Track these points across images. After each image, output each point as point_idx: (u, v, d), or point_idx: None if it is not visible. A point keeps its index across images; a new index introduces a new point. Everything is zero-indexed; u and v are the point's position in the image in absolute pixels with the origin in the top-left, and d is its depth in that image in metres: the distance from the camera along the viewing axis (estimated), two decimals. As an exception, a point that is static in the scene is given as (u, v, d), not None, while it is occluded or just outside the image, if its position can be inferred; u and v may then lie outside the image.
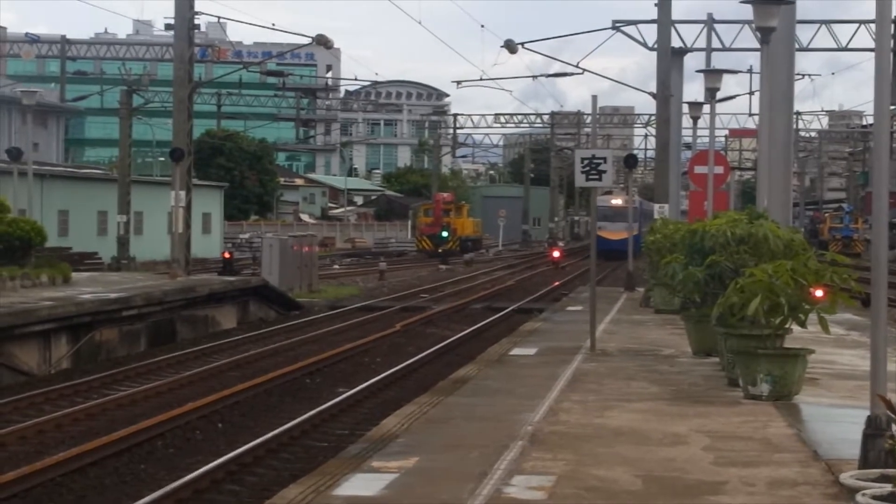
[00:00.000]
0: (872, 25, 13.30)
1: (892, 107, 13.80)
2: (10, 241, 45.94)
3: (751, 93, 55.07)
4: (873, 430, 12.33)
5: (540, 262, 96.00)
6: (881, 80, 14.03)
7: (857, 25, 62.23)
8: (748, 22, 42.06)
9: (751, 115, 59.07)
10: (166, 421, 25.27)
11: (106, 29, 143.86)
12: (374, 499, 12.98)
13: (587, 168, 30.23)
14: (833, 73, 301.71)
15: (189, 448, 22.48)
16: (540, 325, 37.21)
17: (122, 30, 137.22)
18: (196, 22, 56.31)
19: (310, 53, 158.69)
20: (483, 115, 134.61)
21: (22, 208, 50.77)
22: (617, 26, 56.08)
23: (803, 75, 72.94)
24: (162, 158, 62.11)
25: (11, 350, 32.67)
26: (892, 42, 14.01)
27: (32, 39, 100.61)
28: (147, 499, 18.31)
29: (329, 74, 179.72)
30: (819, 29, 60.74)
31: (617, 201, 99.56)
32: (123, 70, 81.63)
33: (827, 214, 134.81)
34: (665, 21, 51.69)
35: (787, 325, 20.40)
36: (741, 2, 29.73)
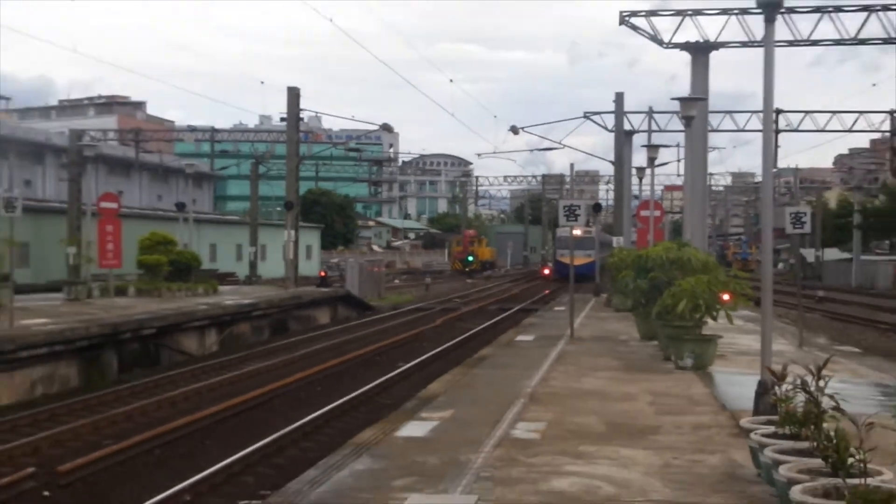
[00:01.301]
0: (761, 114, 13.25)
1: (774, 169, 14.03)
2: (178, 265, 46.17)
3: (678, 160, 55.18)
4: (762, 390, 12.46)
5: (535, 277, 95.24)
6: (767, 152, 14.19)
7: (750, 115, 61.92)
8: (676, 112, 41.86)
9: (678, 175, 59.08)
10: (281, 386, 25.40)
11: (240, 121, 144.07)
12: (423, 438, 13.13)
13: (567, 213, 30.39)
14: (735, 147, 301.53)
15: (299, 404, 22.57)
16: (536, 320, 37.26)
17: (251, 121, 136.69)
18: (301, 116, 56.29)
19: (378, 135, 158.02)
20: (496, 177, 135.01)
21: (185, 243, 50.95)
22: (587, 115, 55.91)
23: (714, 148, 72.38)
24: (279, 208, 62.18)
25: (180, 339, 32.96)
26: (774, 126, 14.12)
27: (192, 129, 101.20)
28: (276, 434, 18.48)
29: (391, 150, 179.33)
30: (725, 117, 60.40)
31: (578, 233, 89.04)
32: (252, 149, 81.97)
33: (731, 243, 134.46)
34: (619, 112, 51.86)
35: (703, 319, 20.59)
36: (672, 99, 29.87)
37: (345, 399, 22.97)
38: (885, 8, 40.64)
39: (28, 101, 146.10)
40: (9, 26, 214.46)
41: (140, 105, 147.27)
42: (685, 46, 41.10)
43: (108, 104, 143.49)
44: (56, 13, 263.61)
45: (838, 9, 41.48)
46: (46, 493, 15.14)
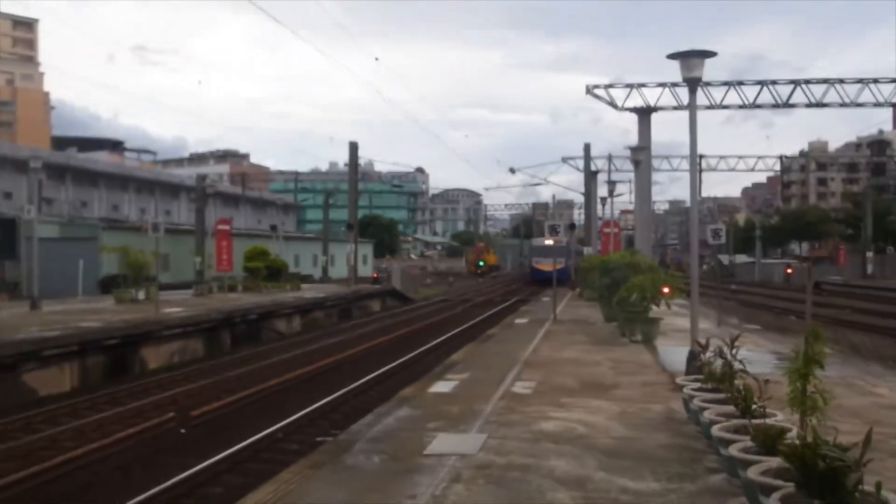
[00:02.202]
0: (689, 158, 13.38)
1: (699, 198, 14.14)
2: (272, 269, 46.54)
3: (630, 192, 55.48)
4: (691, 356, 12.39)
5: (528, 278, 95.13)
6: (693, 186, 14.20)
7: (681, 158, 61.90)
8: (628, 157, 42.02)
9: (631, 202, 59.39)
10: (345, 357, 25.44)
11: (316, 166, 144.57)
12: (447, 393, 13.15)
13: (552, 229, 30.41)
14: (671, 182, 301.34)
15: (358, 369, 22.52)
16: (529, 308, 37.19)
17: (323, 166, 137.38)
18: (358, 162, 56.45)
19: (414, 175, 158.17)
20: (499, 204, 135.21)
21: (277, 253, 51.12)
22: (564, 160, 56.38)
23: (656, 183, 72.68)
24: (343, 228, 62.52)
25: (274, 322, 33.08)
26: (698, 166, 14.11)
27: (281, 172, 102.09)
28: (342, 391, 18.53)
29: (423, 185, 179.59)
30: (663, 160, 60.55)
31: (550, 242, 71.48)
32: (324, 186, 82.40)
33: (669, 251, 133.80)
34: (587, 158, 52.02)
35: (649, 306, 20.49)
36: (625, 147, 29.84)
37: (391, 365, 23.02)
38: (773, 83, 41.66)
39: (167, 154, 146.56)
40: (156, 100, 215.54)
41: (245, 156, 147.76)
42: (633, 110, 41.24)
43: (224, 155, 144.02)
44: (188, 91, 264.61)
45: (740, 83, 42.21)
46: (182, 431, 15.25)
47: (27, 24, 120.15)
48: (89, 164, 73.24)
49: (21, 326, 22.38)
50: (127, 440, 14.28)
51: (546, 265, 66.33)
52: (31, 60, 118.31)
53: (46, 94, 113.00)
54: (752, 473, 6.30)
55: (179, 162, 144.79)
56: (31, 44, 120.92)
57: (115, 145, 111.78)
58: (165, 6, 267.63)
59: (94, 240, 45.37)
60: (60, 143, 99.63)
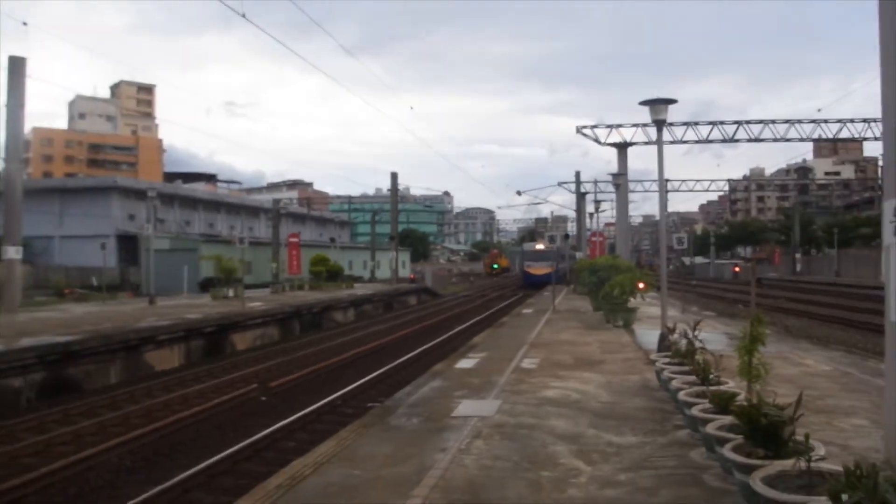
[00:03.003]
0: (657, 182, 13.33)
1: (666, 212, 13.97)
2: (331, 272, 46.51)
3: (613, 208, 55.18)
4: (662, 338, 12.35)
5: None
6: (662, 203, 14.11)
7: (651, 182, 61.60)
8: (611, 181, 41.79)
9: (613, 217, 59.19)
10: (390, 340, 25.37)
11: (364, 191, 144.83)
12: (470, 368, 13.12)
13: (551, 239, 30.25)
14: (644, 200, 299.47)
15: (399, 350, 22.49)
16: (533, 300, 36.99)
17: (370, 191, 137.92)
18: (398, 187, 56.50)
19: (442, 197, 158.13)
20: (509, 219, 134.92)
21: (335, 260, 51.23)
22: (560, 184, 55.70)
23: (632, 201, 71.87)
24: (386, 240, 62.64)
25: (333, 313, 33.04)
26: (665, 187, 14.04)
27: (338, 196, 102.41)
28: (386, 367, 18.53)
29: (449, 206, 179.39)
30: (638, 184, 60.20)
31: (540, 247, 65.84)
32: (371, 207, 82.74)
33: (643, 255, 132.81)
34: (577, 182, 51.62)
35: (628, 298, 20.38)
36: (608, 173, 29.71)
37: (425, 346, 22.93)
38: (722, 123, 41.74)
39: (250, 184, 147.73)
40: (241, 142, 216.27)
41: (310, 184, 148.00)
42: (613, 145, 41.00)
43: (293, 184, 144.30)
44: (266, 134, 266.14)
45: (696, 123, 42.10)
46: (263, 398, 15.28)
47: (147, 89, 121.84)
48: (191, 193, 73.82)
49: (142, 317, 22.55)
50: (221, 405, 14.35)
51: (538, 269, 60.07)
52: (150, 115, 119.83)
53: (160, 141, 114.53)
54: (710, 429, 6.28)
55: (259, 190, 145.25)
56: (149, 103, 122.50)
57: (210, 178, 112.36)
58: (248, 71, 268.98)
59: (195, 251, 45.76)
60: (170, 176, 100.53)
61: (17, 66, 25.26)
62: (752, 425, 5.39)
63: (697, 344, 9.34)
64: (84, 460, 10.45)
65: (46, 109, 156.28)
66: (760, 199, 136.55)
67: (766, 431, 5.29)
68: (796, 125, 42.29)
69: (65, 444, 11.55)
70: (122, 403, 14.67)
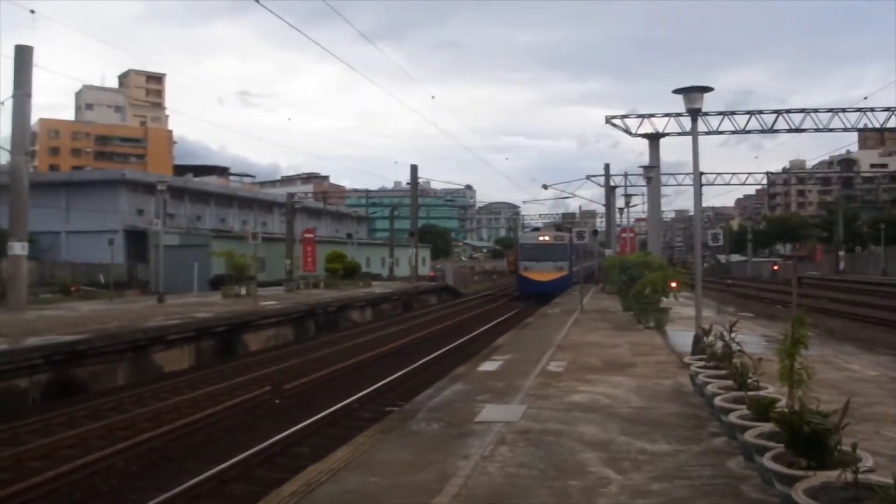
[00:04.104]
0: (692, 175, 13.22)
1: (701, 208, 13.95)
2: (348, 270, 46.72)
3: (643, 203, 54.54)
4: (696, 339, 12.21)
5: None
6: (697, 197, 14.01)
7: (685, 175, 61.34)
8: (642, 174, 41.64)
9: (644, 211, 58.41)
10: (409, 341, 25.41)
11: (383, 185, 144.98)
12: (494, 371, 13.10)
13: (579, 235, 30.20)
14: (677, 194, 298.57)
15: (419, 351, 22.50)
16: (559, 300, 36.80)
17: (389, 185, 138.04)
18: (418, 180, 56.56)
19: (463, 191, 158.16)
20: (534, 214, 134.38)
21: (352, 256, 51.37)
22: (588, 177, 55.79)
23: (664, 195, 71.53)
24: (406, 236, 62.55)
25: (349, 313, 33.07)
26: (700, 181, 13.92)
27: (355, 190, 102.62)
28: (405, 370, 18.55)
29: (471, 200, 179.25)
30: (670, 177, 59.89)
31: (546, 238, 47.08)
32: (390, 201, 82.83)
33: (675, 252, 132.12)
34: (607, 175, 51.35)
35: (660, 297, 20.23)
36: (639, 166, 29.59)
37: (446, 348, 22.92)
38: (760, 112, 41.24)
39: (264, 177, 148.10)
40: (254, 134, 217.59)
41: (326, 177, 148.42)
42: (645, 136, 40.87)
43: (309, 177, 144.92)
44: (281, 126, 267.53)
45: (733, 113, 41.72)
46: (277, 401, 15.33)
47: (157, 78, 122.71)
48: (202, 186, 74.23)
49: (151, 316, 22.73)
50: (233, 408, 14.42)
51: (540, 272, 43.28)
52: (159, 106, 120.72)
53: (170, 132, 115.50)
54: (749, 437, 6.21)
55: (273, 183, 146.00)
56: (159, 93, 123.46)
57: (222, 171, 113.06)
58: (262, 59, 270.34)
59: (206, 246, 46.04)
60: (180, 169, 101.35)
61: (23, 56, 25.51)
62: (795, 433, 5.32)
63: (734, 346, 9.25)
64: (90, 464, 10.53)
65: (53, 100, 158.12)
66: (801, 192, 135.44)
67: (810, 440, 5.21)
68: (840, 114, 41.87)
69: (70, 448, 11.66)
70: (129, 406, 14.79)
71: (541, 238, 45.58)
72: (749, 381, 8.08)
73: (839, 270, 71.12)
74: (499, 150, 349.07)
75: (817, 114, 41.89)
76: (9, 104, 25.44)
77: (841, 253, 75.06)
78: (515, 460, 7.22)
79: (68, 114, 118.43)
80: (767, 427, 6.10)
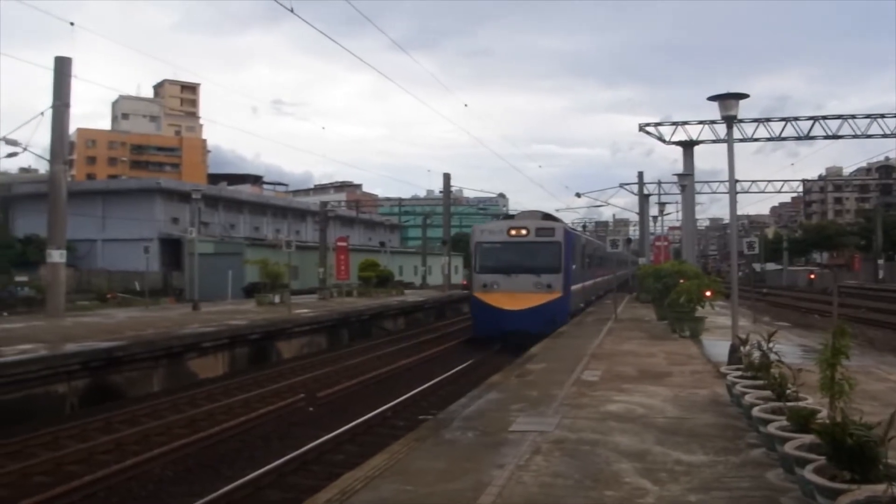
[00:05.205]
0: (727, 183, 13.11)
1: (736, 216, 13.79)
2: (381, 278, 46.77)
3: (678, 211, 53.73)
4: (733, 349, 12.11)
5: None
6: (732, 205, 13.88)
7: (719, 183, 60.75)
8: (675, 182, 41.36)
9: (678, 220, 57.58)
10: (443, 350, 25.39)
11: (415, 194, 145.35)
12: (528, 380, 13.02)
13: (612, 244, 30.06)
14: (711, 202, 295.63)
15: (452, 361, 22.46)
16: (593, 308, 36.50)
17: (422, 193, 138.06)
18: (451, 189, 56.68)
19: (496, 199, 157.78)
20: (570, 222, 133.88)
21: (385, 265, 51.52)
22: (622, 185, 55.13)
23: (699, 203, 70.72)
24: (438, 244, 62.46)
25: (382, 322, 33.03)
26: (734, 189, 13.78)
27: (388, 199, 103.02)
28: (439, 378, 18.53)
29: (504, 208, 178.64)
30: (704, 185, 59.30)
31: (522, 230, 25.74)
32: (422, 209, 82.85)
33: (709, 260, 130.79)
34: (640, 184, 50.99)
35: (695, 306, 20.03)
36: (673, 174, 29.39)
37: (480, 356, 22.85)
38: (796, 119, 40.75)
39: (297, 186, 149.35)
40: (288, 143, 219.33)
41: (359, 185, 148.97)
42: (679, 143, 40.49)
43: (342, 186, 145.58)
44: (314, 134, 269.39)
45: (768, 119, 41.19)
46: (311, 409, 15.41)
47: (191, 88, 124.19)
48: (236, 195, 75.06)
49: (186, 323, 22.95)
50: (267, 415, 14.51)
51: (508, 296, 24.75)
52: (194, 115, 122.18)
53: (204, 141, 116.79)
54: (789, 448, 6.12)
55: (306, 192, 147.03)
56: (193, 103, 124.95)
57: (256, 179, 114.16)
58: (295, 69, 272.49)
59: (239, 255, 46.47)
60: (214, 178, 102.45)
61: (62, 67, 25.96)
62: (837, 445, 5.23)
63: (773, 356, 9.13)
64: (127, 469, 10.66)
65: (90, 110, 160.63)
66: (838, 200, 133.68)
67: (853, 452, 5.12)
68: (879, 120, 41.16)
69: (107, 453, 11.81)
70: (164, 412, 14.95)
71: (513, 231, 25.66)
72: (788, 391, 7.98)
73: (878, 279, 70.09)
74: (531, 158, 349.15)
75: (855, 120, 41.25)
76: (48, 114, 25.90)
77: (880, 261, 74.03)
78: (551, 470, 7.19)
79: (105, 123, 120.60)
80: (808, 439, 6.02)
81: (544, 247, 25.31)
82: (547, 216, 28.26)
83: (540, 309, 23.91)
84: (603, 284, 40.59)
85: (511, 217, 33.33)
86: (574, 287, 26.92)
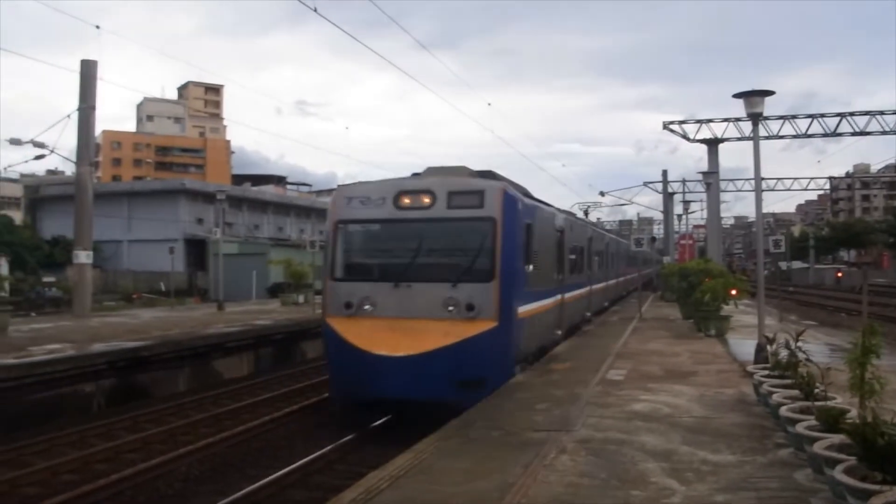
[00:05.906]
0: (752, 181, 13.03)
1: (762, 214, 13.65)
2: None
3: (702, 209, 53.22)
4: (759, 348, 12.02)
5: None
6: (758, 203, 13.76)
7: (744, 181, 60.33)
8: (700, 181, 41.11)
9: (703, 218, 57.08)
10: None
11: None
12: (553, 380, 12.94)
13: (636, 243, 29.85)
14: (736, 200, 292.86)
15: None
16: (616, 307, 36.33)
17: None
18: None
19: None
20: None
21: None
22: (646, 184, 54.86)
23: (723, 201, 70.11)
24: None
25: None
26: (762, 186, 13.63)
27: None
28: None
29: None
30: (729, 183, 58.85)
31: (429, 198, 12.53)
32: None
33: (735, 259, 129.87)
34: (665, 182, 50.71)
35: (720, 305, 19.90)
36: (697, 172, 29.15)
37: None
38: (823, 115, 40.34)
39: (321, 186, 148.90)
40: (312, 143, 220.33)
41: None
42: (703, 141, 40.21)
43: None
44: (338, 134, 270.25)
45: (794, 116, 40.89)
46: (335, 408, 15.44)
47: (215, 89, 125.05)
48: (260, 196, 75.51)
49: (211, 323, 23.11)
50: (292, 414, 14.56)
51: (382, 333, 11.96)
52: (217, 117, 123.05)
53: (228, 142, 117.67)
54: (818, 448, 6.05)
55: (330, 192, 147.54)
56: (217, 104, 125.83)
57: (280, 180, 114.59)
58: (319, 69, 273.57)
59: (264, 255, 46.75)
60: (238, 179, 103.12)
61: (88, 70, 26.24)
62: (868, 446, 5.16)
63: (801, 355, 9.04)
64: (154, 468, 10.74)
65: (116, 112, 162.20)
66: (865, 197, 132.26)
67: (885, 453, 5.05)
68: (908, 116, 40.71)
69: (134, 452, 11.91)
70: (190, 411, 15.06)
71: (405, 200, 13.04)
72: (816, 390, 7.89)
73: (907, 277, 69.33)
74: (554, 157, 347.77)
75: (883, 116, 40.75)
76: (74, 117, 26.20)
77: (909, 259, 73.20)
78: (576, 469, 7.15)
79: (130, 125, 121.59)
80: (837, 439, 5.94)
81: (464, 229, 12.98)
82: (479, 174, 14.31)
83: (449, 355, 11.71)
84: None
85: (417, 174, 14.81)
86: (527, 308, 13.64)
